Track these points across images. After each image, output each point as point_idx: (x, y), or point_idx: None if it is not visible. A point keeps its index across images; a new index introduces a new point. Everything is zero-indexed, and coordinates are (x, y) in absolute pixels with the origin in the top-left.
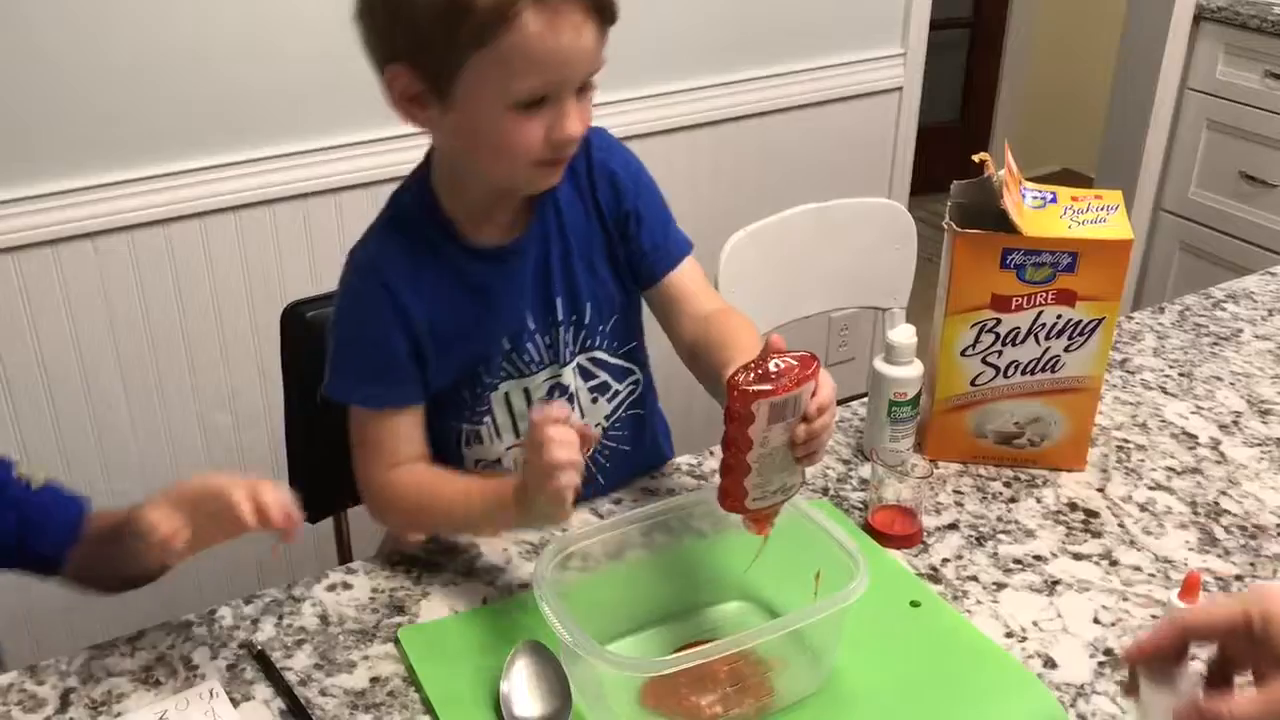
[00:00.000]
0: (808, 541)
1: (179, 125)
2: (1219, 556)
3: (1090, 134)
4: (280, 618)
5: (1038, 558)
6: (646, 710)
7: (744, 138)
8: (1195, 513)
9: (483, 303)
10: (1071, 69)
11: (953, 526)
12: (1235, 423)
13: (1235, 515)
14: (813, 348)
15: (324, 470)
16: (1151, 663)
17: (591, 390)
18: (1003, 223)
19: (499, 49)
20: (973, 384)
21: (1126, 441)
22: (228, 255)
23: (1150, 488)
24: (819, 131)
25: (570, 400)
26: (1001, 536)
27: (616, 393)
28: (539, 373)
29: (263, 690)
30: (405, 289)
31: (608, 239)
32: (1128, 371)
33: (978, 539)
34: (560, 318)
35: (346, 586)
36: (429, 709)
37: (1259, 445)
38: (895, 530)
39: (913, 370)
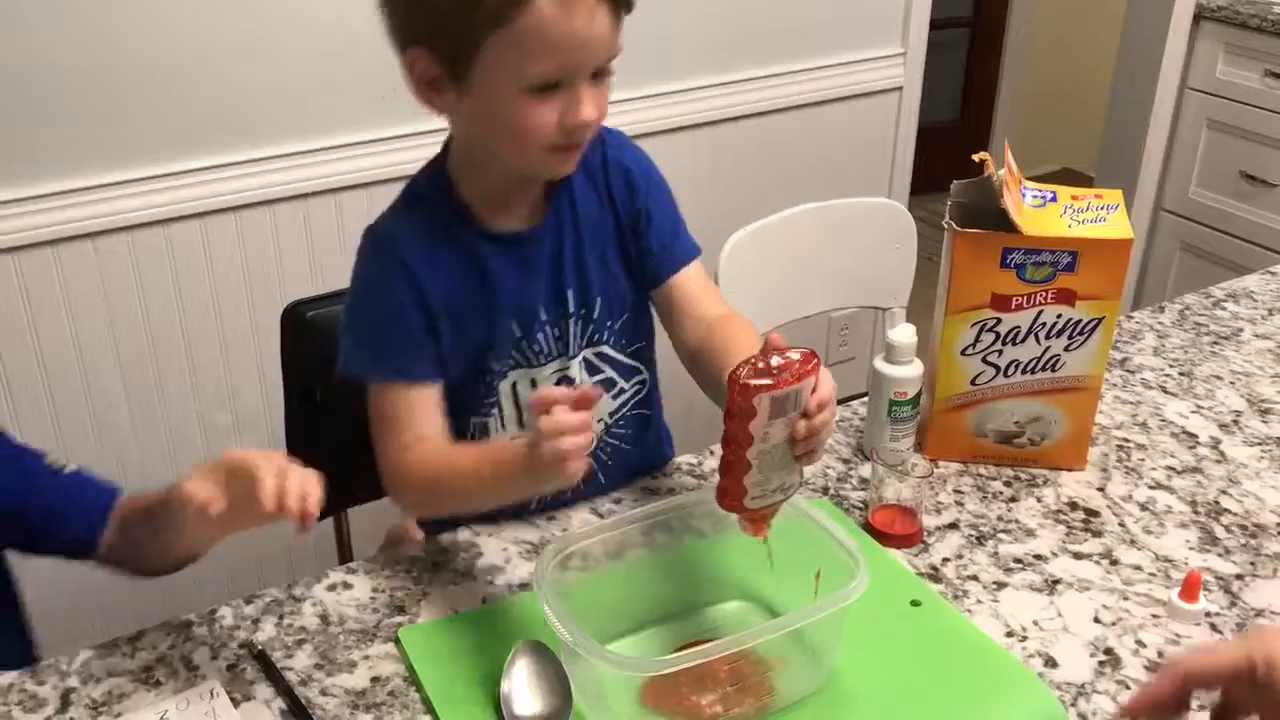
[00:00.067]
0: (808, 541)
1: (179, 125)
2: (1219, 556)
3: (1090, 133)
4: (281, 617)
5: (1038, 557)
6: (647, 710)
7: (744, 138)
8: (1195, 512)
9: (495, 287)
10: (1071, 68)
11: (953, 526)
12: (1235, 422)
13: (1235, 514)
14: (813, 347)
15: (324, 470)
16: (1153, 714)
17: (597, 385)
18: (1003, 222)
19: (513, 31)
20: (973, 383)
21: (1127, 441)
22: (228, 255)
23: (1150, 487)
24: (819, 131)
25: None
26: (1002, 536)
27: (622, 390)
28: (547, 364)
29: (263, 690)
30: (422, 266)
31: (621, 236)
32: (1128, 371)
33: (978, 538)
34: (571, 310)
35: (347, 586)
36: (429, 709)
37: (1259, 444)
38: (895, 530)
39: (913, 370)
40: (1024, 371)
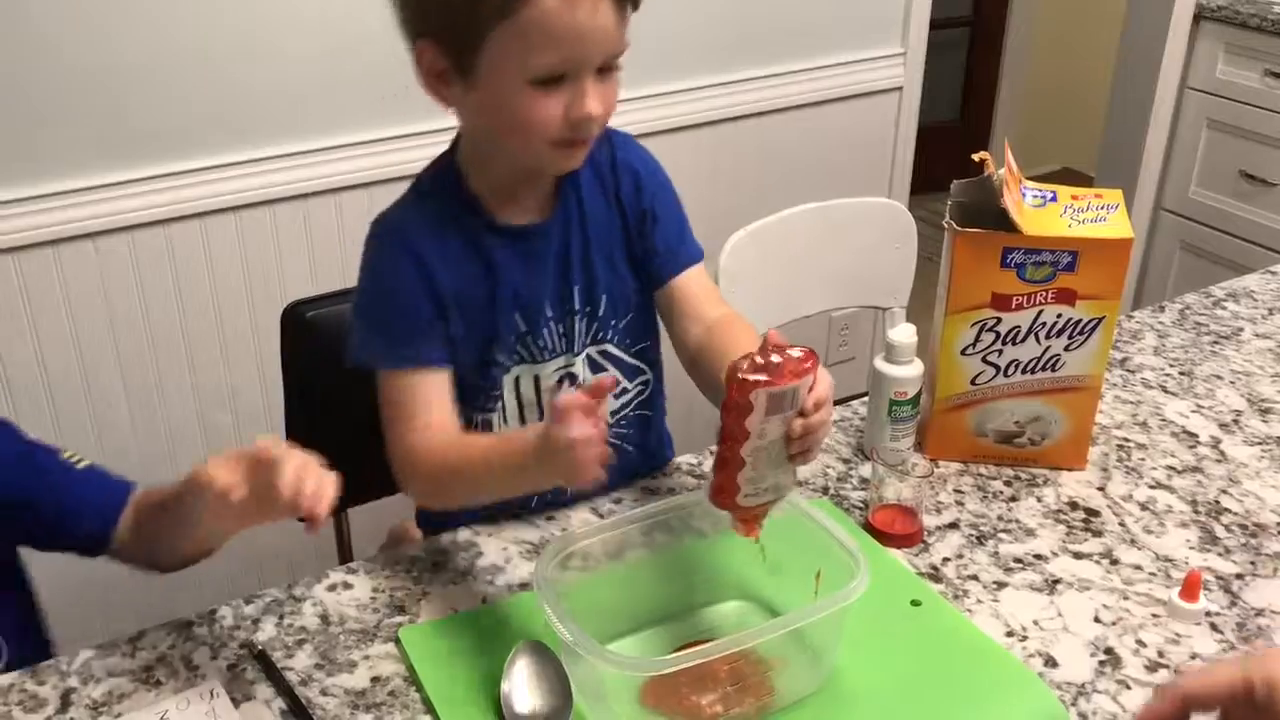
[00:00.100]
0: (808, 541)
1: (180, 125)
2: (1220, 555)
3: (1090, 133)
4: (281, 618)
5: (1038, 557)
6: (647, 709)
7: (744, 138)
8: (1196, 511)
9: (500, 279)
10: (1071, 68)
11: (953, 526)
12: (1236, 421)
13: (1236, 514)
14: (813, 347)
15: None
16: None
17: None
18: (1003, 222)
19: (518, 23)
20: (973, 383)
21: (1127, 440)
22: (228, 255)
23: (1151, 486)
24: (819, 131)
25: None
26: (1002, 535)
27: (625, 390)
28: (551, 360)
29: (263, 690)
30: (431, 253)
31: (627, 237)
32: (1128, 370)
33: (978, 538)
34: (576, 307)
35: (347, 586)
36: (430, 709)
37: (1259, 444)
38: (896, 529)
39: (913, 369)
40: (1024, 371)
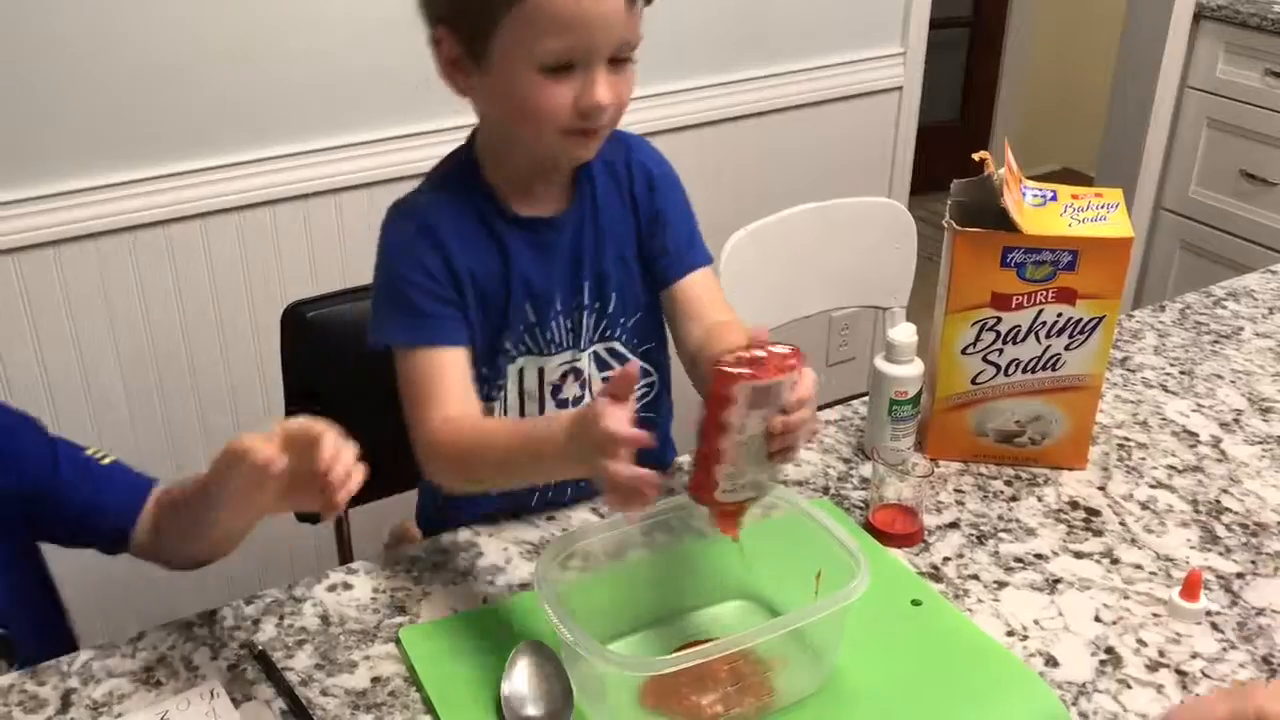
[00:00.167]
0: (808, 540)
1: (180, 126)
2: (1220, 554)
3: (1090, 133)
4: (281, 618)
5: (1039, 556)
6: (647, 709)
7: (744, 137)
8: (1196, 511)
9: (514, 266)
10: (1071, 68)
11: (954, 525)
12: (1236, 421)
13: (1236, 513)
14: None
15: None
16: None
17: (606, 380)
18: (1003, 221)
19: (526, 8)
20: (973, 382)
21: (1127, 440)
22: (228, 255)
23: (1151, 486)
24: (819, 131)
25: (583, 386)
26: (1002, 535)
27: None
28: (557, 354)
29: (264, 690)
30: (448, 234)
31: (639, 235)
32: (1128, 370)
33: (979, 538)
34: (585, 302)
35: (347, 587)
36: (430, 709)
37: (1260, 443)
38: (896, 529)
39: (913, 369)
40: (1024, 370)
